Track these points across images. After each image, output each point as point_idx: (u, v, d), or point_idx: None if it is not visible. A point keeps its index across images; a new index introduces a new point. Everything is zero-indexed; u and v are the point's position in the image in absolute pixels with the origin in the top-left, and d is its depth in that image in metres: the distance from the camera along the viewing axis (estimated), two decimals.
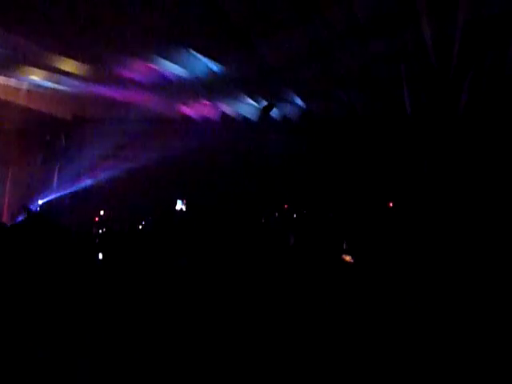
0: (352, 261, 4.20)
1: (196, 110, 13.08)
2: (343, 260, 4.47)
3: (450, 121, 10.80)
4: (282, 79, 10.19)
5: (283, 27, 7.73)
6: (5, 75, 11.50)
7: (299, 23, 7.53)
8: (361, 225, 9.53)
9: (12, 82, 11.94)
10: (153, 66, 9.64)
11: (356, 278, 3.41)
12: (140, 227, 11.17)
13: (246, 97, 11.72)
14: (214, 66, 9.40)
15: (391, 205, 11.82)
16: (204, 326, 2.54)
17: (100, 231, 10.77)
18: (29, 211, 10.57)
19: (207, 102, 12.46)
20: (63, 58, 9.75)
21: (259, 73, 9.66)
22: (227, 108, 12.72)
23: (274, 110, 11.97)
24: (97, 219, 13.18)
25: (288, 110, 12.31)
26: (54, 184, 14.24)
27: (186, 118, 13.57)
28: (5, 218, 12.76)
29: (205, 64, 9.31)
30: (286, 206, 13.74)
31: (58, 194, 13.90)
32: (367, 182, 11.72)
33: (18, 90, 12.14)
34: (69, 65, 10.12)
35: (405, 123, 11.38)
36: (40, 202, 13.58)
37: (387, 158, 11.63)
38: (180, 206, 13.92)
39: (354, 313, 2.72)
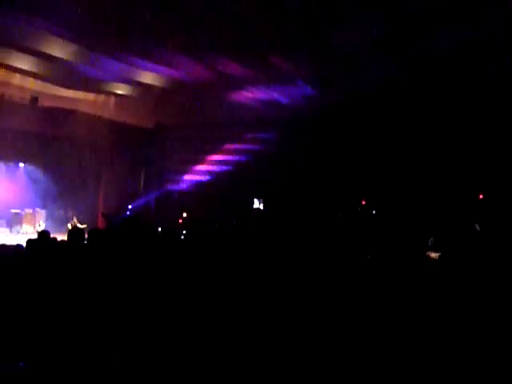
0: (438, 258, 3.97)
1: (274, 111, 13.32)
2: (428, 257, 4.24)
3: None
4: (357, 70, 9.93)
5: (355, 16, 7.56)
6: (95, 91, 12.67)
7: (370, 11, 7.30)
8: (448, 219, 8.94)
9: (101, 97, 13.09)
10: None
11: (442, 277, 3.21)
12: (220, 227, 11.59)
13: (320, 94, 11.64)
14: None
15: (481, 196, 10.92)
16: (283, 321, 2.58)
17: (184, 232, 11.36)
18: (109, 218, 11.47)
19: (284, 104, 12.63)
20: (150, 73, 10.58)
21: (334, 67, 9.58)
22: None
23: (351, 105, 11.75)
24: (180, 221, 13.91)
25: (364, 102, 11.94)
26: (141, 189, 15.31)
27: (262, 120, 13.82)
28: (100, 223, 13.97)
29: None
30: (363, 202, 13.36)
31: (145, 199, 14.93)
32: (455, 171, 10.89)
33: (106, 104, 13.28)
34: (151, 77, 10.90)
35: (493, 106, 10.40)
36: (130, 206, 14.71)
37: (477, 144, 10.67)
38: (258, 204, 14.23)
39: (438, 316, 2.57)
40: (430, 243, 5.06)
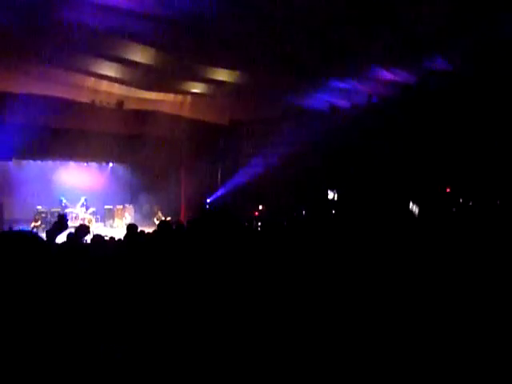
0: None
1: (346, 98, 12.99)
2: None
3: None
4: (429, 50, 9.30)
5: None
6: (173, 92, 13.34)
7: None
8: None
9: (179, 97, 13.75)
10: None
11: None
12: (296, 218, 11.60)
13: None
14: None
15: None
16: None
17: (260, 224, 11.55)
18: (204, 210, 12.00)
19: (358, 88, 12.24)
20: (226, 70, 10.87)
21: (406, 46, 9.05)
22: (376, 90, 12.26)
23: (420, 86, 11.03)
24: (256, 213, 14.17)
25: (433, 83, 11.13)
26: (219, 183, 15.84)
27: (333, 109, 13.56)
28: (182, 217, 14.73)
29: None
30: (448, 190, 12.52)
31: (222, 192, 15.43)
32: None
33: (183, 103, 13.92)
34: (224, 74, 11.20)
35: None
36: (208, 200, 15.32)
37: None
38: (331, 195, 14.03)
39: None
40: None
